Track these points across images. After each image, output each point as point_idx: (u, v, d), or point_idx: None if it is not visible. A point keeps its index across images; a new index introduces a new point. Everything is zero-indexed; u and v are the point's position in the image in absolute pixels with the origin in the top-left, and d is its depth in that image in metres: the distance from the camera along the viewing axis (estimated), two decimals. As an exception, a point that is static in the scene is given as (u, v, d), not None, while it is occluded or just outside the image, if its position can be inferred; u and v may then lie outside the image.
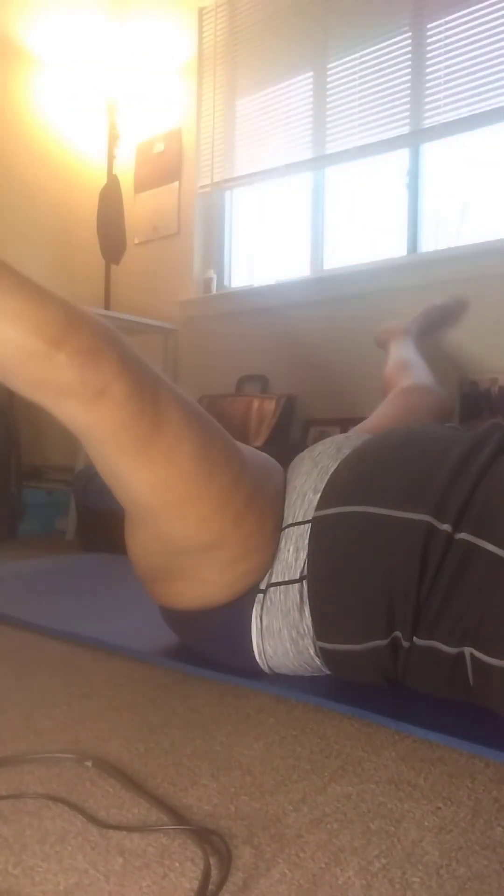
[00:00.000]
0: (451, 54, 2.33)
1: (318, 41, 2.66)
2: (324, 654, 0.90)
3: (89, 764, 0.74)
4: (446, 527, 0.82)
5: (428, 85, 2.39)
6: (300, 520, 0.93)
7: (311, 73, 2.70)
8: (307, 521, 0.92)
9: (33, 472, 2.87)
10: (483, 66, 2.26)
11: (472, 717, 0.83)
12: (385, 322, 2.15)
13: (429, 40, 2.39)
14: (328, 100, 2.65)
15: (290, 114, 2.76)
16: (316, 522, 0.91)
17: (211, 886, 0.53)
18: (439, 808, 0.67)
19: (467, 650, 0.79)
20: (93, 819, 0.63)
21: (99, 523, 2.17)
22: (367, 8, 2.52)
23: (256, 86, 2.86)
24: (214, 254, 3.09)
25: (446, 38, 2.34)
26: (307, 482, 0.97)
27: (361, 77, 2.55)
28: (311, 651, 0.91)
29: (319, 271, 2.76)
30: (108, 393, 0.76)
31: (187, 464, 0.82)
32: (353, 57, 2.57)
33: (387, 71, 2.48)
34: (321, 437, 2.20)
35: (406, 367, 1.75)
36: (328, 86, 2.65)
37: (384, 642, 0.85)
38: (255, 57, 2.86)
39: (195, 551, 0.89)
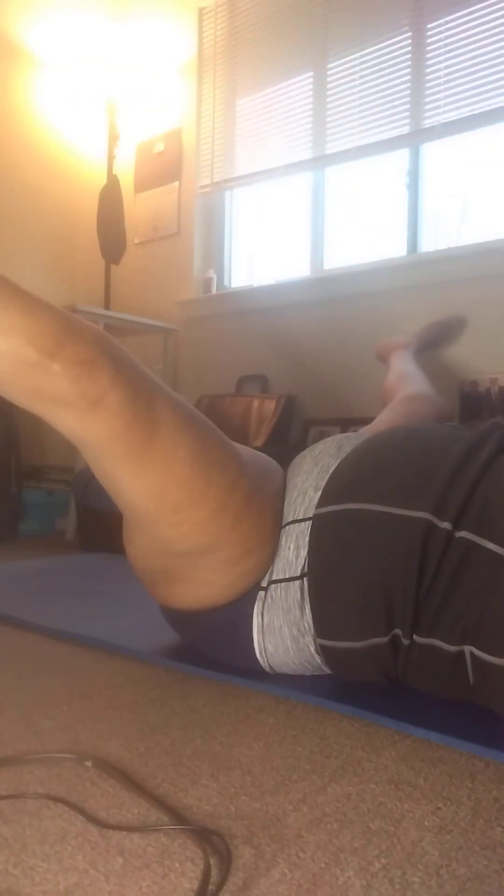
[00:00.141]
0: (451, 54, 2.33)
1: (318, 41, 2.66)
2: (324, 651, 0.90)
3: (89, 764, 0.74)
4: (446, 525, 0.82)
5: (428, 85, 2.39)
6: (301, 517, 0.93)
7: (311, 73, 2.70)
8: (308, 519, 0.93)
9: (33, 472, 2.87)
10: (483, 66, 2.26)
11: (472, 717, 0.83)
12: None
13: (429, 40, 2.39)
14: (328, 100, 2.65)
15: (290, 114, 2.76)
16: (316, 520, 0.91)
17: (211, 886, 0.53)
18: (439, 808, 0.67)
19: (467, 649, 0.79)
20: (93, 819, 0.63)
21: (99, 523, 2.17)
22: (367, 8, 2.52)
23: (256, 86, 2.86)
24: (214, 254, 3.09)
25: (446, 38, 2.34)
26: (308, 480, 0.97)
27: (361, 77, 2.55)
28: (312, 649, 0.91)
29: (319, 271, 2.76)
30: (104, 402, 0.76)
31: (184, 469, 0.83)
32: (353, 57, 2.57)
33: (387, 71, 2.48)
34: (321, 437, 2.20)
35: (407, 378, 1.77)
36: (328, 86, 2.65)
37: (384, 640, 0.85)
38: (255, 57, 2.86)
39: (193, 554, 0.89)
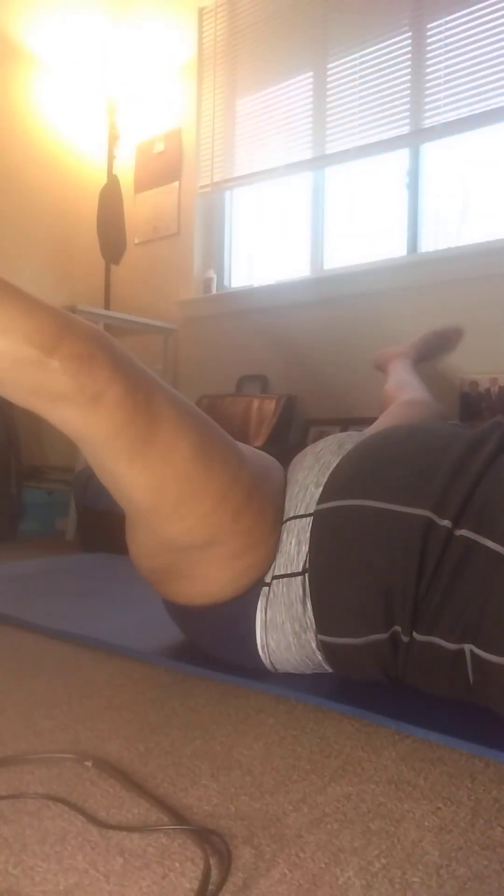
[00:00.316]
0: (451, 54, 2.33)
1: (318, 41, 2.66)
2: (325, 647, 0.90)
3: (89, 764, 0.74)
4: (446, 523, 0.83)
5: (428, 85, 2.39)
6: (302, 513, 0.94)
7: (311, 73, 2.70)
8: (309, 515, 0.93)
9: (33, 472, 2.87)
10: (483, 66, 2.26)
11: (472, 717, 0.83)
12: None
13: (429, 40, 2.39)
14: (328, 100, 2.65)
15: (290, 114, 2.76)
16: (317, 516, 0.92)
17: (211, 886, 0.53)
18: (439, 808, 0.67)
19: (467, 647, 0.79)
20: (93, 819, 0.63)
21: (99, 523, 2.17)
22: (367, 8, 2.52)
23: (256, 86, 2.86)
24: (214, 254, 3.09)
25: (446, 38, 2.34)
26: (309, 476, 0.98)
27: (361, 77, 2.55)
28: (314, 644, 0.91)
29: (319, 271, 2.76)
30: (103, 397, 0.77)
31: (184, 464, 0.83)
32: (353, 57, 2.57)
33: (387, 71, 2.48)
34: (321, 437, 2.20)
35: (405, 385, 1.79)
36: (328, 86, 2.65)
37: (384, 636, 0.85)
38: (255, 57, 2.86)
39: (196, 549, 0.89)
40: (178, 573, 0.94)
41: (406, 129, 2.43)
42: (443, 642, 0.81)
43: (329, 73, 2.64)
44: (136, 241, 3.24)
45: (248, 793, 0.69)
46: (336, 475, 0.95)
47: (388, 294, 2.45)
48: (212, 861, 0.57)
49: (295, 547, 0.92)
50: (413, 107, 2.42)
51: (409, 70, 2.43)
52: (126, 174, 3.24)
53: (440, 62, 2.36)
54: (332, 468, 0.97)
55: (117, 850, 0.59)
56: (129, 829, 0.62)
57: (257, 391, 2.75)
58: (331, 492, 0.93)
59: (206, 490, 0.85)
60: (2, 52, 3.00)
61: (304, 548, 0.92)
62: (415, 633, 0.83)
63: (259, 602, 0.93)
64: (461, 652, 0.80)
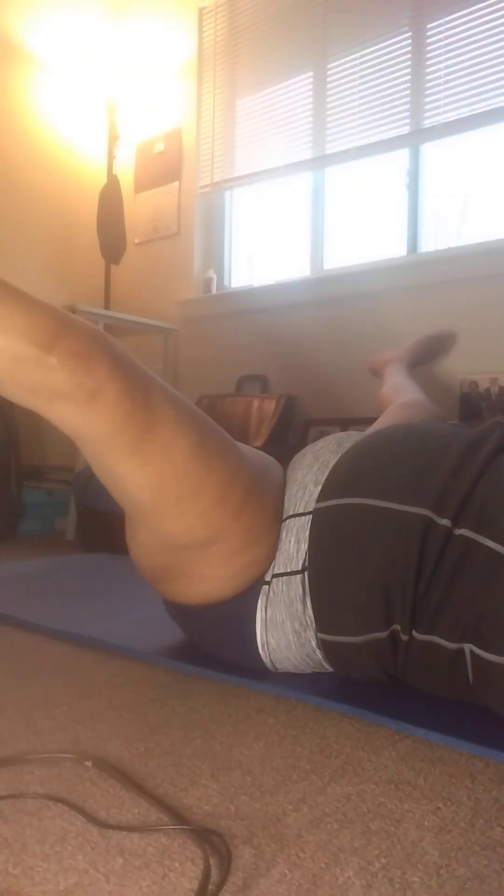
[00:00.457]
0: (451, 54, 2.33)
1: (318, 41, 2.66)
2: (325, 646, 0.90)
3: (89, 764, 0.74)
4: (445, 522, 0.83)
5: (428, 85, 2.39)
6: (301, 511, 0.94)
7: (311, 73, 2.70)
8: (308, 513, 0.93)
9: (33, 472, 2.87)
10: (483, 66, 2.26)
11: (472, 717, 0.83)
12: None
13: (429, 40, 2.39)
14: (328, 100, 2.65)
15: (290, 114, 2.76)
16: (317, 514, 0.92)
17: (211, 886, 0.53)
18: (439, 808, 0.67)
19: (467, 647, 0.79)
20: (93, 819, 0.63)
21: (99, 523, 2.17)
22: (367, 8, 2.52)
23: (256, 86, 2.86)
24: (214, 254, 3.09)
25: (446, 38, 2.34)
26: (308, 475, 0.98)
27: (361, 77, 2.55)
28: (314, 643, 0.91)
29: (319, 271, 2.76)
30: (101, 394, 0.77)
31: (184, 461, 0.83)
32: (353, 57, 2.57)
33: (387, 71, 2.48)
34: (321, 437, 2.20)
35: (401, 388, 1.80)
36: (328, 86, 2.65)
37: (383, 635, 0.85)
38: (255, 57, 2.86)
39: (196, 547, 0.89)
40: (178, 572, 0.94)
41: (406, 129, 2.43)
42: (442, 641, 0.81)
43: (329, 73, 2.64)
44: (136, 241, 3.24)
45: (248, 793, 0.69)
46: (335, 474, 0.95)
47: (387, 294, 2.45)
48: (212, 861, 0.57)
49: (294, 545, 0.93)
50: (413, 107, 2.42)
51: (409, 70, 2.43)
52: (126, 174, 3.24)
53: (440, 62, 2.36)
54: (331, 467, 0.97)
55: (117, 850, 0.59)
56: (129, 829, 0.62)
57: (257, 391, 2.75)
58: (330, 490, 0.93)
59: (205, 487, 0.85)
60: (2, 52, 3.00)
61: (304, 546, 0.92)
62: (414, 633, 0.83)
63: (259, 601, 0.93)
64: (461, 651, 0.80)
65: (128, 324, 2.84)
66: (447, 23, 2.34)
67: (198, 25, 3.03)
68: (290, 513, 0.95)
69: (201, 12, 3.03)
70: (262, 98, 2.85)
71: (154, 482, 0.83)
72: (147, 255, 3.22)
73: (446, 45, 2.34)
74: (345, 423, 2.44)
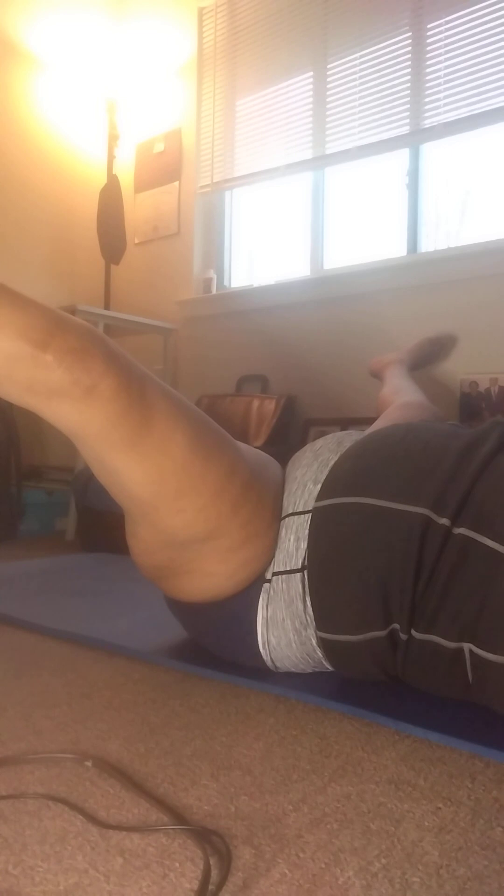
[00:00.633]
0: (451, 54, 2.33)
1: (318, 41, 2.66)
2: (324, 645, 0.91)
3: (89, 764, 0.74)
4: (444, 521, 0.83)
5: (428, 85, 2.39)
6: (300, 510, 0.94)
7: (311, 73, 2.70)
8: (307, 512, 0.93)
9: (33, 472, 2.87)
10: (483, 66, 2.26)
11: (472, 717, 0.83)
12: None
13: (429, 40, 2.39)
14: (328, 100, 2.65)
15: (290, 114, 2.76)
16: (316, 512, 0.92)
17: (211, 886, 0.53)
18: (439, 808, 0.67)
19: (466, 646, 0.79)
20: (93, 819, 0.63)
21: (99, 523, 2.17)
22: (367, 8, 2.52)
23: (256, 86, 2.86)
24: (214, 254, 3.09)
25: (446, 38, 2.34)
26: (308, 473, 0.98)
27: (361, 77, 2.55)
28: (314, 641, 0.91)
29: (319, 271, 2.76)
30: (98, 390, 0.78)
31: (182, 454, 0.84)
32: (353, 57, 2.57)
33: (387, 71, 2.48)
34: (321, 437, 2.20)
35: (401, 389, 1.80)
36: (328, 86, 2.65)
37: (382, 634, 0.85)
38: (255, 57, 2.86)
39: (196, 542, 0.90)
40: (178, 569, 0.94)
41: (406, 129, 2.43)
42: (441, 641, 0.81)
43: (329, 73, 2.64)
44: (136, 241, 3.24)
45: (248, 793, 0.69)
46: (335, 472, 0.95)
47: (387, 294, 2.44)
48: (212, 861, 0.57)
49: (294, 543, 0.93)
50: (413, 107, 2.42)
51: (409, 70, 2.43)
52: (126, 174, 3.24)
53: (440, 62, 2.36)
54: (330, 466, 0.97)
55: (117, 850, 0.59)
56: (129, 829, 0.62)
57: (257, 391, 2.75)
58: (329, 489, 0.93)
59: (203, 481, 0.85)
60: (1, 52, 3.00)
61: (303, 545, 0.92)
62: (413, 632, 0.83)
63: (260, 598, 0.94)
64: (460, 650, 0.80)
65: (128, 324, 2.84)
66: (447, 23, 2.34)
67: (198, 25, 3.03)
68: (290, 511, 0.95)
69: (201, 12, 3.03)
70: (262, 98, 2.85)
71: (152, 477, 0.84)
72: (147, 255, 3.22)
73: (446, 45, 2.34)
74: (345, 423, 2.44)
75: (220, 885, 0.54)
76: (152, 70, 3.18)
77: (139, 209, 3.24)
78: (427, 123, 2.39)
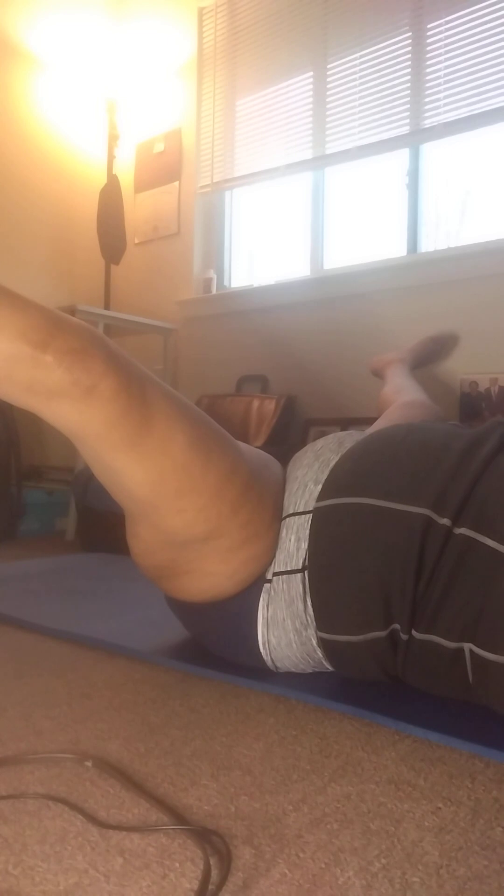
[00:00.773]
0: (451, 54, 2.33)
1: (318, 41, 2.66)
2: (324, 645, 0.91)
3: (89, 764, 0.74)
4: (445, 521, 0.83)
5: (428, 85, 2.39)
6: (301, 510, 0.94)
7: (311, 73, 2.70)
8: (308, 512, 0.93)
9: (33, 472, 2.87)
10: (483, 66, 2.26)
11: (472, 717, 0.83)
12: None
13: (429, 40, 2.39)
14: (328, 100, 2.65)
15: (290, 114, 2.76)
16: (317, 513, 0.92)
17: (211, 886, 0.53)
18: (439, 808, 0.67)
19: (466, 646, 0.79)
20: (93, 819, 0.63)
21: (99, 523, 2.17)
22: (367, 8, 2.52)
23: (256, 86, 2.86)
24: (214, 254, 3.09)
25: (446, 38, 2.34)
26: (308, 473, 0.98)
27: (361, 77, 2.55)
28: (314, 642, 0.91)
29: (319, 271, 2.76)
30: (97, 390, 0.78)
31: (182, 454, 0.84)
32: (353, 57, 2.57)
33: (387, 71, 2.48)
34: (321, 437, 2.20)
35: (403, 388, 1.80)
36: (328, 86, 2.65)
37: (382, 634, 0.85)
38: (255, 57, 2.86)
39: (196, 542, 0.90)
40: (179, 569, 0.94)
41: (406, 129, 2.43)
42: (442, 641, 0.81)
43: (329, 73, 2.64)
44: (136, 241, 3.24)
45: (248, 793, 0.69)
46: (335, 473, 0.95)
47: (387, 294, 2.44)
48: (212, 861, 0.57)
49: (294, 544, 0.93)
50: (413, 107, 2.42)
51: (409, 70, 2.43)
52: (126, 174, 3.24)
53: (440, 62, 2.36)
54: (331, 466, 0.97)
55: (117, 850, 0.59)
56: (129, 829, 0.62)
57: (257, 391, 2.75)
58: (330, 489, 0.93)
59: (204, 481, 0.85)
60: (1, 52, 3.00)
61: (304, 545, 0.92)
62: (414, 632, 0.83)
63: (261, 598, 0.94)
64: (460, 651, 0.80)
65: (128, 324, 2.84)
66: (447, 23, 2.34)
67: (198, 25, 3.03)
68: (290, 511, 0.95)
69: (201, 12, 3.03)
70: (262, 98, 2.85)
71: (152, 477, 0.84)
72: (147, 255, 3.22)
73: (446, 45, 2.34)
74: (345, 423, 2.44)
75: (220, 885, 0.54)
76: (152, 70, 3.18)
77: (139, 209, 3.24)
78: (427, 123, 2.39)
